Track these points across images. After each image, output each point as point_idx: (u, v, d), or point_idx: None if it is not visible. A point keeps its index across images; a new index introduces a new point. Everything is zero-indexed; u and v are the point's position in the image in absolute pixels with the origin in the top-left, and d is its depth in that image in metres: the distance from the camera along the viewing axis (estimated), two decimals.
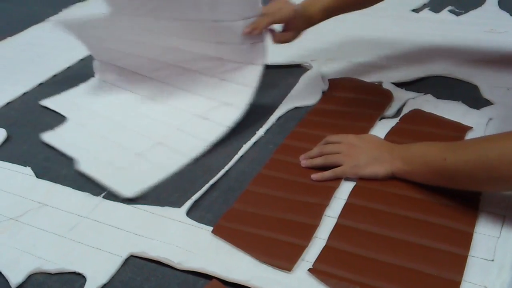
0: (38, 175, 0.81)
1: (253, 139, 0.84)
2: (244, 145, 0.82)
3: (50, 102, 1.02)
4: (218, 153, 0.82)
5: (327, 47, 1.10)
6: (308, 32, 1.15)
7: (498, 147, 0.58)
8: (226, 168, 0.78)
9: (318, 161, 0.75)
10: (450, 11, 1.20)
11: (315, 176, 0.73)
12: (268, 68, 1.02)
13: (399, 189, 0.69)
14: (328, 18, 0.89)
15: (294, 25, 0.86)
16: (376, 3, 0.93)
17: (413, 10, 1.23)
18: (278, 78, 1.01)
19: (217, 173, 0.77)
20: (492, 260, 0.58)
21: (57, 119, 0.96)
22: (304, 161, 0.76)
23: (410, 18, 1.19)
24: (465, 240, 0.61)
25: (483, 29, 1.09)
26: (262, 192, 0.73)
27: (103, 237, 0.68)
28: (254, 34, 0.82)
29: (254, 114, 0.87)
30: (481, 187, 0.64)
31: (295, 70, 1.03)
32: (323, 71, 1.00)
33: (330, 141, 0.77)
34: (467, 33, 1.08)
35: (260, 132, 0.85)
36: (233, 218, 0.69)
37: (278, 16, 0.84)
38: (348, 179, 0.72)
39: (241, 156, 0.80)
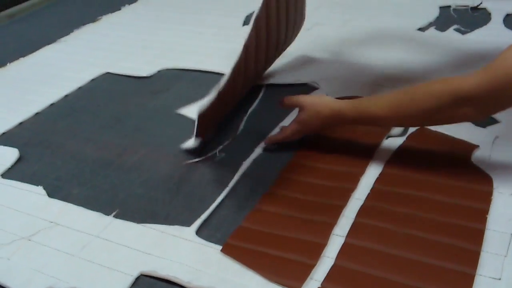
0: (50, 195, 0.83)
1: (261, 157, 0.85)
2: (250, 162, 0.83)
3: (187, 111, 1.02)
4: (225, 171, 0.83)
5: (334, 66, 1.11)
6: (315, 52, 1.17)
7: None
8: (230, 185, 0.79)
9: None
10: (455, 29, 1.21)
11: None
12: (275, 86, 1.04)
13: (407, 208, 0.70)
14: None
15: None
16: None
17: (419, 29, 1.24)
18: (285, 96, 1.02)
19: (223, 191, 0.78)
20: (499, 279, 0.59)
21: (69, 139, 0.98)
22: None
23: (416, 37, 1.20)
24: (473, 259, 0.61)
25: (489, 47, 1.10)
26: (271, 211, 0.73)
27: (114, 256, 0.69)
28: (267, 141, 0.88)
29: (261, 132, 0.88)
30: None
31: (302, 89, 1.04)
32: (330, 90, 1.01)
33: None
34: (473, 52, 1.09)
35: (268, 150, 0.86)
36: (242, 237, 0.70)
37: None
38: (357, 196, 0.73)
39: (249, 174, 0.81)
